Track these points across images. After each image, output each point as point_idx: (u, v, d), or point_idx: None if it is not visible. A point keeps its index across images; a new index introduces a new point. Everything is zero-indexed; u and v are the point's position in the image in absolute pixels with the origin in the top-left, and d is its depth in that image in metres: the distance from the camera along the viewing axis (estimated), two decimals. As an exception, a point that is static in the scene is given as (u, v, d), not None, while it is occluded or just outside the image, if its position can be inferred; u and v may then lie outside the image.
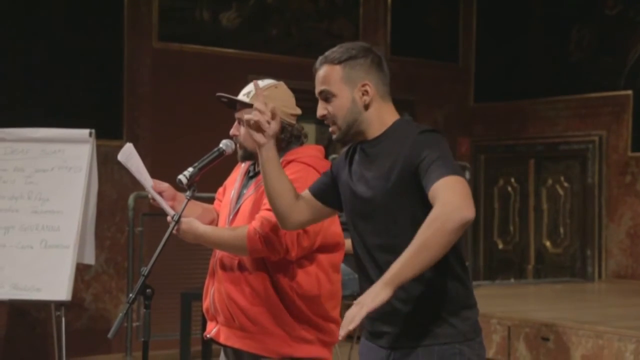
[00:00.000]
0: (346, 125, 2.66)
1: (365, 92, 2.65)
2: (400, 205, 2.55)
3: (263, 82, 3.28)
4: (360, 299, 2.40)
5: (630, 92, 8.86)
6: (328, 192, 2.82)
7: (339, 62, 2.67)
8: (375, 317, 2.62)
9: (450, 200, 2.36)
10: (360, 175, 2.67)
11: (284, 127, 3.22)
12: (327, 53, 2.73)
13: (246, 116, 2.80)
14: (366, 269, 2.66)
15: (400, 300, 2.54)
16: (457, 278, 2.59)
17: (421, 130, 2.59)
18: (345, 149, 2.83)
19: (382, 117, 2.67)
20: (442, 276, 2.55)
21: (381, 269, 2.49)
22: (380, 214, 2.60)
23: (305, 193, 2.87)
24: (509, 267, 9.93)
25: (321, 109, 2.70)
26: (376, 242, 2.62)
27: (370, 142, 2.67)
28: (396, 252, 2.41)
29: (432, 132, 2.58)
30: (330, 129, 2.71)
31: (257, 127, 2.74)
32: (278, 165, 2.80)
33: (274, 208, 2.84)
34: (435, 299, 2.55)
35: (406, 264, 2.35)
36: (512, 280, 9.59)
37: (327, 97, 2.67)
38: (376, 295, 2.35)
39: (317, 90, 2.71)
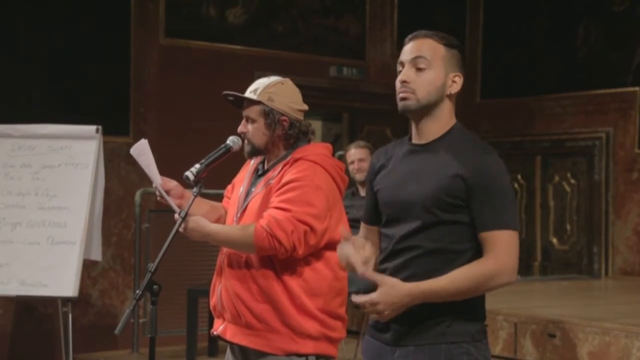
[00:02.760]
0: (427, 100, 2.57)
1: (455, 82, 2.61)
2: (436, 212, 2.53)
3: (269, 79, 3.29)
4: (382, 300, 2.44)
5: (637, 88, 8.84)
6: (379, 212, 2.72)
7: (445, 44, 2.61)
8: None
9: (507, 262, 2.48)
10: (407, 173, 2.61)
11: (291, 124, 3.23)
12: (428, 31, 2.64)
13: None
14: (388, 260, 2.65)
15: None
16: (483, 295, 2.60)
17: (486, 149, 2.56)
18: (382, 149, 2.77)
19: (451, 113, 2.63)
20: None
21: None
22: (415, 214, 2.56)
23: (367, 228, 2.79)
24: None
25: (406, 76, 2.58)
26: (403, 244, 2.59)
27: (429, 145, 2.60)
28: (416, 252, 2.52)
29: (497, 156, 2.55)
30: (404, 95, 2.58)
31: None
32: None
33: None
34: (449, 303, 2.53)
35: (440, 293, 2.47)
36: (519, 277, 9.56)
37: (421, 66, 2.57)
38: (400, 307, 2.47)
39: (409, 55, 2.59)
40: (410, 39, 2.63)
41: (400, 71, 2.62)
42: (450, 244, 2.53)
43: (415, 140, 2.65)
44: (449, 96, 2.61)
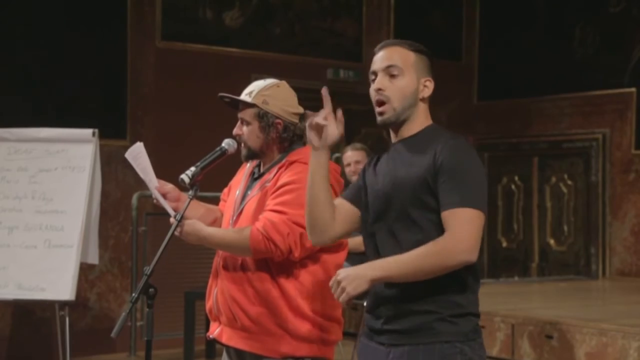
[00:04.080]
0: (401, 108, 2.66)
1: (426, 87, 2.71)
2: (414, 204, 2.58)
3: (265, 82, 3.29)
4: (344, 276, 2.51)
5: (634, 89, 8.86)
6: (362, 197, 2.77)
7: (414, 51, 2.70)
8: (376, 314, 2.63)
9: (464, 239, 2.48)
10: (387, 170, 2.69)
11: (286, 127, 3.23)
12: (395, 39, 2.76)
13: (315, 119, 2.74)
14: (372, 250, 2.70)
15: (405, 299, 2.56)
16: (467, 288, 2.60)
17: (454, 136, 2.63)
18: (371, 159, 2.83)
19: (426, 115, 2.73)
20: (452, 284, 2.56)
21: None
22: (396, 209, 2.61)
23: (339, 201, 2.81)
24: (513, 265, 9.94)
25: (380, 83, 2.67)
26: (388, 242, 2.63)
27: (406, 140, 2.69)
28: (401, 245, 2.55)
29: (464, 141, 2.62)
30: (380, 109, 2.68)
31: (318, 129, 2.71)
32: (327, 173, 2.75)
33: (313, 219, 2.75)
34: (442, 303, 2.56)
35: (398, 264, 2.50)
36: (516, 278, 9.59)
37: (394, 72, 2.67)
38: (359, 285, 2.50)
39: (381, 65, 2.69)
40: (380, 48, 2.72)
41: (374, 80, 2.71)
42: (436, 234, 2.53)
43: (393, 141, 2.75)
44: (422, 100, 2.71)
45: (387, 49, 2.70)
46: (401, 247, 2.56)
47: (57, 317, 5.97)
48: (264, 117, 3.22)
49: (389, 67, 2.68)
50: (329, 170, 3.09)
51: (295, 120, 3.27)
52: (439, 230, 2.53)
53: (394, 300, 2.58)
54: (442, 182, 2.53)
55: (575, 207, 9.47)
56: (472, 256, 2.48)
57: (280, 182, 3.15)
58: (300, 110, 3.30)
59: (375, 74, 2.71)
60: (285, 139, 3.23)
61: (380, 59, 2.70)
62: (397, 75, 2.67)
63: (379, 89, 2.67)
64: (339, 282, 2.52)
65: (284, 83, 3.32)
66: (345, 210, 2.78)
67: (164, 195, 3.23)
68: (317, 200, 2.74)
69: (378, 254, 2.63)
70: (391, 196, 2.62)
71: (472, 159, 2.59)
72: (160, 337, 6.65)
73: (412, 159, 2.62)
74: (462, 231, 2.47)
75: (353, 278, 2.50)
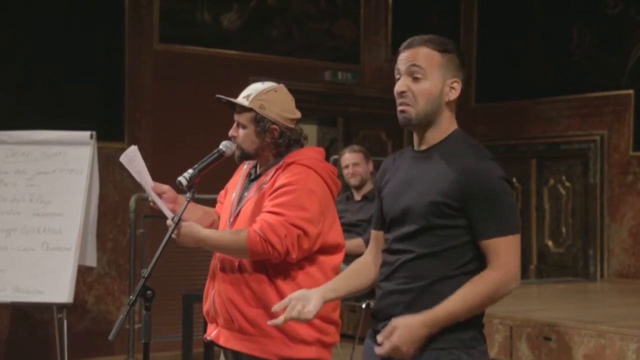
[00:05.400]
0: (424, 112, 2.56)
1: (453, 89, 2.59)
2: (430, 218, 2.52)
3: (263, 85, 3.28)
4: (400, 334, 2.44)
5: (631, 91, 8.85)
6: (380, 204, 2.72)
7: (440, 50, 2.57)
8: (380, 317, 2.62)
9: (510, 269, 2.48)
10: (407, 179, 2.61)
11: (281, 132, 3.22)
12: (423, 36, 2.60)
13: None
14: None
15: (409, 309, 2.53)
16: None
17: (481, 154, 2.55)
18: (390, 157, 2.76)
19: (450, 120, 2.62)
20: None
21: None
22: (412, 220, 2.56)
23: (374, 234, 2.78)
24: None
25: (403, 85, 2.57)
26: (399, 247, 2.60)
27: (430, 149, 2.60)
28: (416, 261, 2.53)
29: (492, 162, 2.54)
30: (403, 107, 2.57)
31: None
32: (345, 284, 2.73)
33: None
34: None
35: (455, 314, 2.46)
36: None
37: (417, 75, 2.55)
38: (421, 339, 2.45)
39: (405, 64, 2.58)
40: (405, 47, 2.60)
41: (398, 78, 2.61)
42: (445, 249, 2.52)
43: (416, 147, 2.65)
44: (448, 103, 2.60)
45: (411, 49, 2.58)
46: (415, 257, 2.53)
47: (55, 320, 5.96)
48: (260, 122, 3.21)
49: (411, 67, 2.57)
50: (328, 173, 3.10)
51: (292, 125, 3.26)
52: (455, 241, 2.51)
53: (398, 308, 2.56)
54: (474, 209, 2.48)
55: (574, 209, 9.47)
56: (518, 282, 2.49)
57: (277, 184, 3.15)
58: (298, 115, 3.29)
59: (399, 72, 2.60)
60: (280, 144, 3.23)
61: (404, 59, 2.59)
62: (421, 78, 2.56)
63: (401, 91, 2.57)
64: (396, 349, 2.45)
65: (282, 87, 3.30)
66: (381, 240, 2.73)
67: (160, 195, 3.23)
68: (357, 290, 2.76)
69: (392, 256, 2.60)
70: (409, 208, 2.56)
71: (501, 181, 2.52)
72: (158, 339, 6.64)
73: (435, 174, 2.54)
74: (507, 262, 2.47)
75: (417, 341, 2.45)
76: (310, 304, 2.61)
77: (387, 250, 2.63)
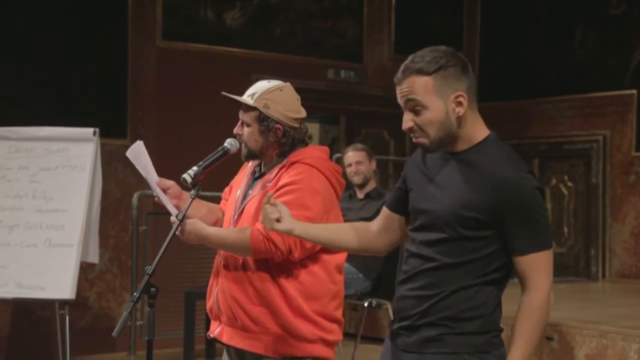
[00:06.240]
0: (438, 137, 2.50)
1: (459, 104, 2.49)
2: (457, 228, 2.50)
3: (269, 83, 3.27)
4: None
5: (634, 91, 8.85)
6: (406, 203, 2.68)
7: (432, 72, 2.47)
8: (398, 318, 2.63)
9: (547, 286, 2.49)
10: (438, 182, 2.57)
11: (285, 132, 3.22)
12: (411, 62, 2.50)
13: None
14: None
15: (424, 311, 2.54)
16: (497, 305, 2.58)
17: (518, 167, 2.50)
18: (419, 152, 2.68)
19: (475, 125, 2.54)
20: (481, 304, 2.54)
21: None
22: (439, 227, 2.53)
23: (385, 212, 2.76)
24: (513, 267, 9.92)
25: (408, 121, 2.51)
26: (424, 252, 2.57)
27: (463, 153, 2.54)
28: (438, 268, 2.51)
29: (529, 175, 2.48)
30: (417, 140, 2.53)
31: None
32: (324, 233, 2.77)
33: (349, 249, 2.87)
34: (453, 313, 2.52)
35: (529, 354, 2.47)
36: (516, 279, 9.57)
37: (417, 108, 2.49)
38: None
39: (402, 100, 2.51)
40: (397, 81, 2.53)
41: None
42: (470, 260, 2.50)
43: (449, 149, 2.58)
44: (460, 118, 2.50)
45: (403, 83, 2.50)
46: (439, 265, 2.52)
47: (57, 316, 5.96)
48: (263, 121, 3.21)
49: (409, 103, 2.50)
50: (332, 172, 3.10)
51: (296, 124, 3.25)
52: (481, 252, 2.49)
53: (415, 312, 2.56)
54: (511, 224, 2.44)
55: (576, 209, 9.47)
56: (551, 288, 2.51)
57: (281, 183, 3.15)
58: (303, 114, 3.28)
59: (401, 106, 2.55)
60: (284, 143, 3.22)
61: (400, 94, 2.52)
62: (421, 110, 2.48)
63: (408, 128, 2.52)
64: None
65: (288, 86, 3.29)
66: (390, 220, 2.74)
67: (165, 191, 3.23)
68: (340, 248, 2.82)
69: (417, 260, 2.58)
70: (437, 214, 2.52)
71: (537, 193, 2.48)
72: (160, 336, 6.62)
73: (468, 181, 2.49)
74: (545, 278, 2.48)
75: None
76: (285, 223, 2.64)
77: (413, 252, 2.60)
